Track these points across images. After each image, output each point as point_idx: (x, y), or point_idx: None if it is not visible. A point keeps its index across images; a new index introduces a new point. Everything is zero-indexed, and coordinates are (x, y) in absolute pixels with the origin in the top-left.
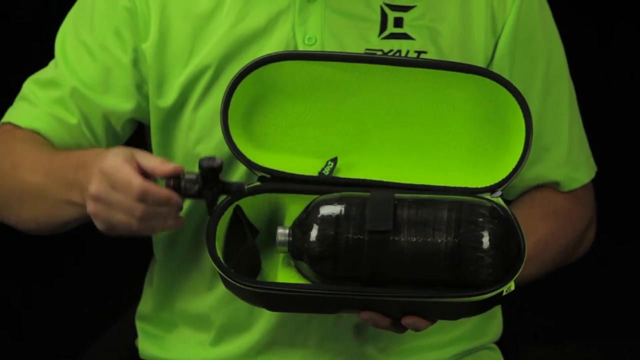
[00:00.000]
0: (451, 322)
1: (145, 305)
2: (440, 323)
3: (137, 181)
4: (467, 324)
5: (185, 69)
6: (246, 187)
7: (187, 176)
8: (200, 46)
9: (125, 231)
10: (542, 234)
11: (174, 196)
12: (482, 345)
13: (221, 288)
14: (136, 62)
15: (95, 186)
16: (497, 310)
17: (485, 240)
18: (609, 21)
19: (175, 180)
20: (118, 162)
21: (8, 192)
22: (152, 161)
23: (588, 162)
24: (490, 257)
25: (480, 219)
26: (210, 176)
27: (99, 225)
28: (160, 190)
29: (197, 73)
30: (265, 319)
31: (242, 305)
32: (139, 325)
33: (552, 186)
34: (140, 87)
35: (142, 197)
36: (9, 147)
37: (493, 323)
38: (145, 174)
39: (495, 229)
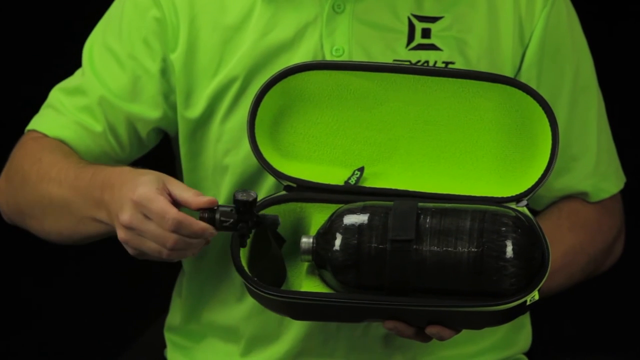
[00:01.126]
0: (480, 332)
1: (174, 316)
2: (469, 333)
3: (172, 213)
4: (496, 334)
5: (213, 80)
6: (279, 220)
7: (221, 208)
8: (228, 58)
9: (155, 258)
10: (570, 245)
11: (208, 229)
12: (511, 356)
13: (251, 299)
14: (164, 72)
15: (127, 215)
16: (526, 321)
17: (509, 250)
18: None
19: (209, 213)
20: (151, 192)
21: (33, 203)
22: (185, 192)
23: (617, 172)
24: (513, 267)
25: (504, 229)
26: (245, 209)
27: (129, 250)
28: (195, 223)
29: (224, 85)
30: (294, 330)
31: (272, 316)
32: (167, 336)
33: (581, 197)
34: (167, 96)
35: (176, 229)
36: (36, 158)
37: (522, 333)
38: (176, 203)
39: (519, 238)
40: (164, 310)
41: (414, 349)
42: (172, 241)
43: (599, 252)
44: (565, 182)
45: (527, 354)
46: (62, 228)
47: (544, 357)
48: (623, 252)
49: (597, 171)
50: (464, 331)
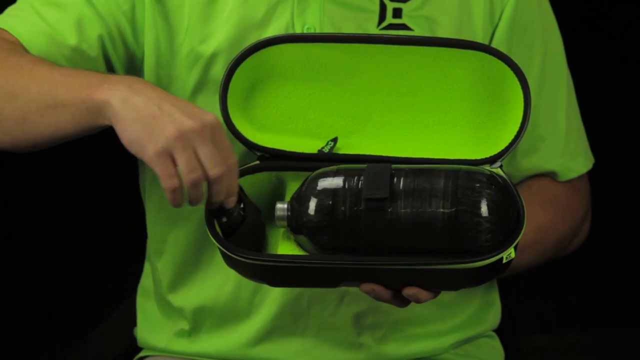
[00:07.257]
0: (450, 310)
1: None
2: (438, 312)
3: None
4: (465, 312)
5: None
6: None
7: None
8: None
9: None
10: (542, 221)
11: None
12: (481, 334)
13: None
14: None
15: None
16: (496, 298)
17: (483, 206)
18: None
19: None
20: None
21: None
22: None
23: (585, 152)
24: (488, 223)
25: (478, 185)
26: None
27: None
28: None
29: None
30: (264, 309)
31: (242, 294)
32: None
33: (549, 176)
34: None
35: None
36: None
37: (491, 311)
38: None
39: (493, 194)
40: (134, 287)
41: (384, 328)
42: None
43: (568, 230)
44: (534, 161)
45: (496, 331)
46: (29, 112)
47: (513, 334)
48: (592, 230)
49: (565, 151)
50: (434, 309)
